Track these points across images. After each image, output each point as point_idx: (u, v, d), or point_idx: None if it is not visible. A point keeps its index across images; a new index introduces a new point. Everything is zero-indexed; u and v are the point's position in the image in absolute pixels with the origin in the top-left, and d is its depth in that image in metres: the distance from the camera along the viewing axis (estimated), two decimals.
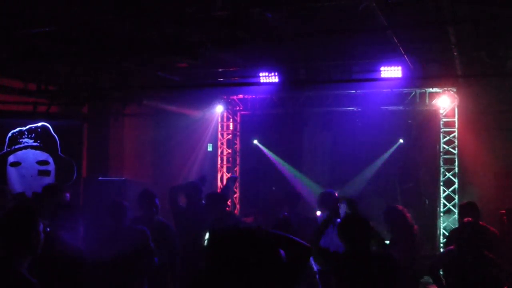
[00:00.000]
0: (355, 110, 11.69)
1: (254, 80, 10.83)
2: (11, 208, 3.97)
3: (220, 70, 10.93)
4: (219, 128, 13.46)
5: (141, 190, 7.16)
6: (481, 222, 7.07)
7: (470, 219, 6.33)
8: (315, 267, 5.90)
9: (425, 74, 9.98)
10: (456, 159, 11.13)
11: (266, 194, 12.94)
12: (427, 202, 11.34)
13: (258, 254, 2.52)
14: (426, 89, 11.15)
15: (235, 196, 13.38)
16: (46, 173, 10.00)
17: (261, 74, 10.68)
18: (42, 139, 9.98)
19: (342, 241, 4.92)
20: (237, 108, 13.19)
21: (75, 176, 10.08)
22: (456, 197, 10.97)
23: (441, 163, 11.23)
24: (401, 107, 11.40)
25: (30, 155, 9.98)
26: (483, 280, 5.31)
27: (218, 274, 2.51)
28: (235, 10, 6.13)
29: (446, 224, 10.92)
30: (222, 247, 2.55)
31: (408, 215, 6.35)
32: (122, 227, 5.99)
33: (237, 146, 13.52)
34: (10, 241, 3.66)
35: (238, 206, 13.37)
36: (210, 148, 13.40)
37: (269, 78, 10.64)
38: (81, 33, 7.92)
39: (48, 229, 4.57)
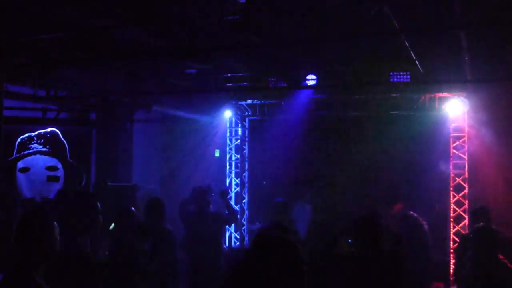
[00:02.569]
0: (364, 114, 11.65)
1: (263, 85, 10.83)
2: (25, 214, 3.90)
3: (228, 75, 10.93)
4: (228, 134, 13.46)
5: (151, 199, 7.18)
6: (493, 226, 7.09)
7: (482, 224, 6.32)
8: None
9: (435, 79, 9.93)
10: (466, 164, 11.07)
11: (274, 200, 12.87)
12: (437, 208, 11.28)
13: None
14: (436, 94, 11.10)
15: (243, 201, 13.36)
16: (55, 178, 10.01)
17: (269, 79, 10.68)
18: (51, 145, 10.00)
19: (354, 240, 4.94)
20: (246, 114, 13.18)
21: (84, 181, 10.10)
22: (466, 202, 10.90)
23: (451, 168, 11.17)
24: (410, 112, 11.36)
25: (39, 161, 10.00)
26: (497, 285, 5.31)
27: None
28: (247, 15, 6.12)
29: (456, 229, 10.86)
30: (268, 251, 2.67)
31: (423, 222, 6.35)
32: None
33: (246, 152, 13.51)
34: (25, 248, 3.59)
35: (246, 211, 13.34)
36: (217, 154, 13.39)
37: (278, 83, 10.65)
38: (90, 39, 7.92)
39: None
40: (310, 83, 10.32)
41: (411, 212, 6.68)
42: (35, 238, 3.60)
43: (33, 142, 9.98)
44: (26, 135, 9.93)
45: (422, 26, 7.04)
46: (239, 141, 13.45)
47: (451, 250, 10.68)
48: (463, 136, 11.09)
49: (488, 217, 7.37)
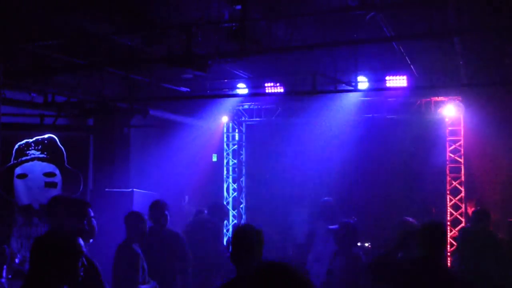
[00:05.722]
0: (360, 119, 11.69)
1: (260, 90, 10.87)
2: (50, 235, 3.71)
3: (225, 80, 10.97)
4: (225, 139, 13.47)
5: (153, 201, 7.23)
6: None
7: (468, 225, 6.39)
8: None
9: (430, 83, 9.98)
10: (462, 168, 11.11)
11: (272, 204, 12.88)
12: (434, 211, 11.32)
13: None
14: (432, 98, 11.14)
15: (241, 206, 13.37)
16: (53, 185, 9.99)
17: (266, 85, 10.72)
18: (49, 151, 9.99)
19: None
20: (243, 118, 13.21)
21: (81, 188, 10.07)
22: (463, 205, 10.95)
23: (447, 172, 11.22)
24: (406, 116, 11.40)
25: (37, 167, 9.98)
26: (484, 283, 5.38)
27: None
28: (243, 22, 6.15)
29: (453, 232, 10.90)
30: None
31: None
32: None
33: (243, 156, 13.52)
34: (41, 273, 3.31)
35: (244, 216, 13.35)
36: (215, 159, 13.40)
37: (274, 88, 10.69)
38: (88, 45, 7.96)
39: None
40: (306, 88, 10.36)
41: (407, 217, 6.70)
42: (56, 264, 3.32)
43: (30, 148, 9.98)
44: (24, 141, 9.91)
45: (416, 33, 7.08)
46: (236, 146, 13.48)
47: (448, 253, 10.72)
48: (459, 140, 11.14)
49: (487, 219, 7.50)
